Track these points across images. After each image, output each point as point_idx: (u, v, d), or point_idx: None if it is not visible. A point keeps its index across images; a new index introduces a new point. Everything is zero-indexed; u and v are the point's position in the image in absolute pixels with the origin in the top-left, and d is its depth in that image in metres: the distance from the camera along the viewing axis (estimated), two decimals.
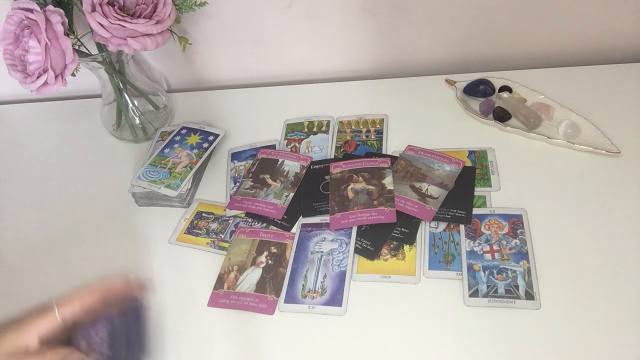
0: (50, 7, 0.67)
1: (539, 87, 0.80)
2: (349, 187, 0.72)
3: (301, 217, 0.73)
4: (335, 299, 0.64)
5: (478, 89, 0.82)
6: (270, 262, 0.69)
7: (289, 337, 0.62)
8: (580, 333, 0.57)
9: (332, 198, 0.72)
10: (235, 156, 0.83)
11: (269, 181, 0.77)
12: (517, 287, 0.61)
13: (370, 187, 0.72)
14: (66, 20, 0.68)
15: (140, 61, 0.95)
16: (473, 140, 0.77)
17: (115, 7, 0.69)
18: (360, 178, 0.73)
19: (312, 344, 0.61)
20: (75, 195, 0.84)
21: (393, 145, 0.79)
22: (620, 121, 0.75)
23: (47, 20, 0.66)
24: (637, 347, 0.55)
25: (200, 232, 0.74)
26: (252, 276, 0.68)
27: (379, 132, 0.81)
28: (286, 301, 0.65)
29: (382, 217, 0.68)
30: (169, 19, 0.72)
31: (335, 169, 0.75)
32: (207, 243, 0.73)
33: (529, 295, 0.60)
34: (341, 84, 0.92)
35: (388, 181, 0.72)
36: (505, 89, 0.81)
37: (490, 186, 0.71)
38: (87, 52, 0.77)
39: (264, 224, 0.73)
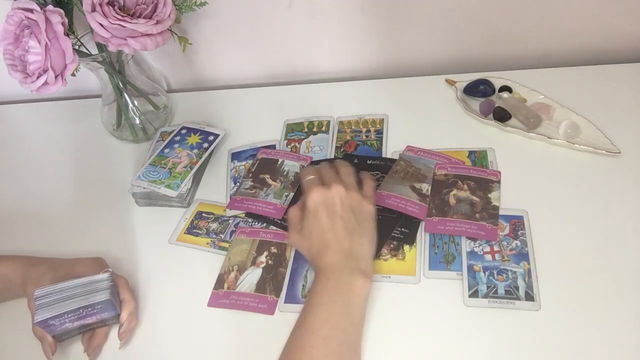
0: (50, 7, 0.67)
1: (539, 87, 0.80)
2: (452, 193, 0.69)
3: None
4: None
5: (478, 89, 0.82)
6: (270, 262, 0.69)
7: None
8: (580, 334, 0.57)
9: (431, 200, 0.69)
10: (235, 156, 0.83)
11: (269, 181, 0.77)
12: (517, 288, 0.61)
13: (475, 198, 0.68)
14: (66, 20, 0.68)
15: (140, 61, 0.94)
16: (473, 140, 0.77)
17: (115, 7, 0.69)
18: (465, 186, 0.69)
19: None
20: (76, 195, 0.84)
21: (393, 145, 0.79)
22: (620, 121, 0.74)
23: (47, 20, 0.66)
24: (637, 349, 0.55)
25: (200, 232, 0.74)
26: (252, 276, 0.68)
27: (379, 132, 0.81)
28: (286, 301, 0.65)
29: (482, 233, 0.64)
30: (169, 19, 0.72)
31: (440, 171, 0.72)
32: (207, 243, 0.73)
33: (529, 297, 0.60)
34: (341, 84, 0.92)
35: (495, 196, 0.67)
36: (505, 89, 0.81)
37: None
38: (87, 52, 0.77)
39: (264, 224, 0.73)
